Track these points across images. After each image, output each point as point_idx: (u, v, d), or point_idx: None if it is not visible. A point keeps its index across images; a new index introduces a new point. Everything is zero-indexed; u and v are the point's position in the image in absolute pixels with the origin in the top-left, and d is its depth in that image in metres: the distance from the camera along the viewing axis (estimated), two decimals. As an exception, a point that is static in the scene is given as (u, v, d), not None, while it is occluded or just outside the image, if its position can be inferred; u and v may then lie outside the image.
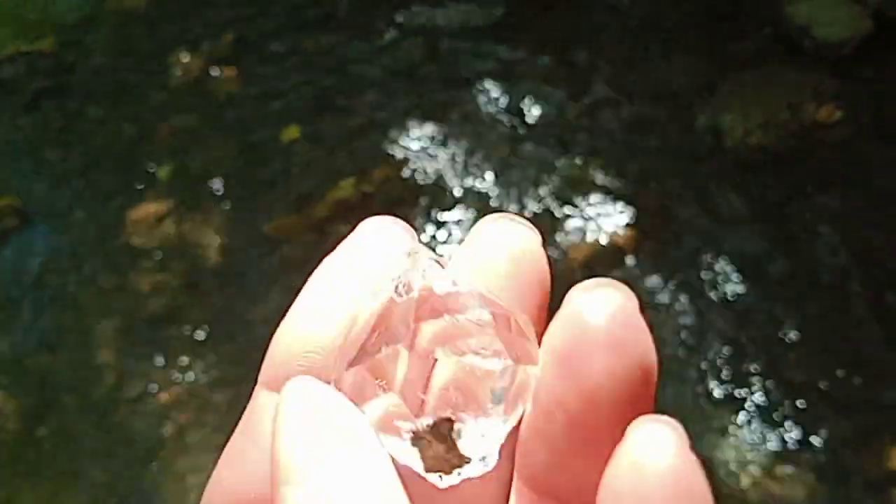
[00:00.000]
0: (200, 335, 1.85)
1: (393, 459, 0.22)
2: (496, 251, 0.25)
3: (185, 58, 2.33)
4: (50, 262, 2.01)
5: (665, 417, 0.20)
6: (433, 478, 0.23)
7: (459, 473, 0.23)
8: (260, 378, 0.24)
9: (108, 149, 2.20)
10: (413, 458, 0.23)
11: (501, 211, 1.96)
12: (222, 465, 0.24)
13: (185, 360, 1.82)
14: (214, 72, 2.30)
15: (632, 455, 0.20)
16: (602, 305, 0.21)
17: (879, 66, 2.08)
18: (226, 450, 0.24)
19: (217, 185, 2.08)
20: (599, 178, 2.00)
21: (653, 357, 0.21)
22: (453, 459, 0.23)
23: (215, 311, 1.89)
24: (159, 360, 1.82)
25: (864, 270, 1.81)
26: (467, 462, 0.23)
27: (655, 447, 0.20)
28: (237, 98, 2.25)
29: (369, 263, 0.24)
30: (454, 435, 0.22)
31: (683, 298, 1.81)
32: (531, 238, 0.25)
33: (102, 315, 1.91)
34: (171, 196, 2.07)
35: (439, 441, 0.23)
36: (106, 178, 2.15)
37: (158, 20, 2.47)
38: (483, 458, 0.23)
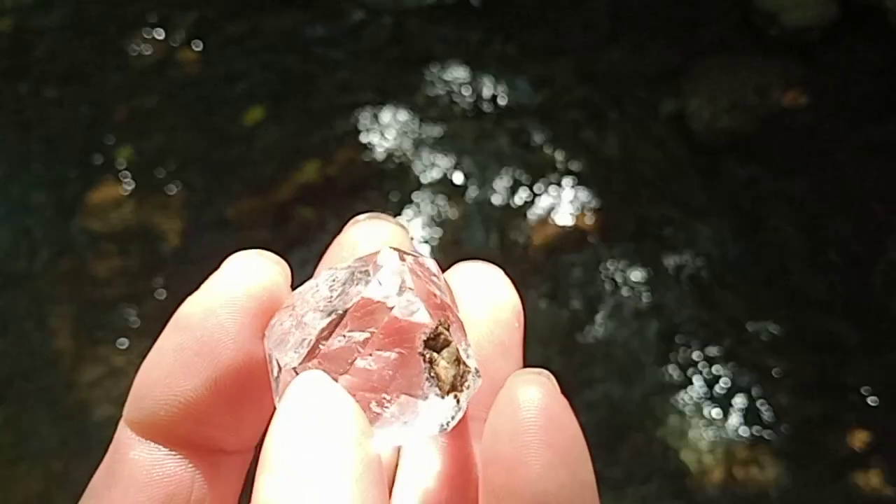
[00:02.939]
0: (159, 320, 1.81)
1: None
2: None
3: (146, 38, 2.29)
4: (6, 246, 1.97)
5: (539, 369, 0.23)
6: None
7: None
8: (124, 413, 0.25)
9: (66, 131, 2.15)
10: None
11: (465, 194, 1.95)
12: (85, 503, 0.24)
13: (143, 346, 1.79)
14: (175, 53, 2.26)
15: (510, 395, 0.22)
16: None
17: (845, 52, 2.09)
18: (88, 488, 0.24)
19: (177, 167, 2.05)
20: (564, 161, 1.99)
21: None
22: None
23: (175, 296, 1.86)
24: (117, 346, 1.79)
25: (829, 254, 1.82)
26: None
27: (530, 389, 0.22)
28: (198, 79, 2.21)
29: (233, 303, 0.25)
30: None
31: (647, 282, 1.81)
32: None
33: (59, 300, 1.88)
34: (130, 179, 2.03)
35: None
36: (63, 160, 2.10)
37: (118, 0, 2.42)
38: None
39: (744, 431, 1.61)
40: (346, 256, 0.26)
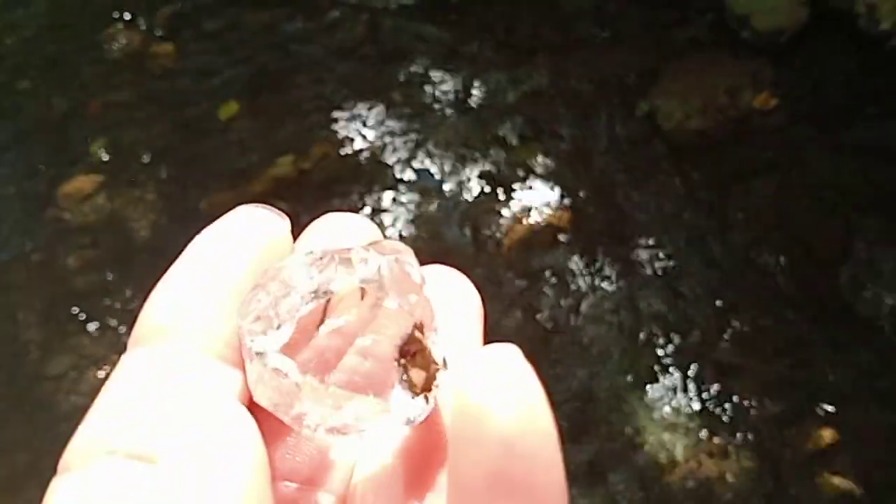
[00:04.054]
0: (130, 313, 1.80)
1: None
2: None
3: (121, 32, 2.28)
4: (-24, 238, 1.95)
5: (504, 343, 0.23)
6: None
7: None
8: (131, 337, 0.25)
9: (39, 123, 2.14)
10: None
11: (440, 191, 1.95)
12: (88, 419, 0.24)
13: (113, 338, 1.78)
14: (151, 46, 2.25)
15: (479, 358, 0.23)
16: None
17: (815, 54, 2.11)
18: (93, 406, 0.24)
19: (151, 160, 2.04)
20: (538, 160, 2.00)
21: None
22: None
23: (146, 288, 1.84)
24: (86, 338, 1.78)
25: (797, 255, 1.84)
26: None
27: (498, 353, 0.22)
28: (173, 73, 2.20)
29: (245, 239, 0.26)
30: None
31: (617, 279, 1.82)
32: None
33: (30, 291, 1.86)
34: (103, 171, 2.03)
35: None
36: (37, 152, 2.09)
37: (94, -7, 2.42)
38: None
39: (711, 428, 1.62)
40: (317, 242, 0.27)
